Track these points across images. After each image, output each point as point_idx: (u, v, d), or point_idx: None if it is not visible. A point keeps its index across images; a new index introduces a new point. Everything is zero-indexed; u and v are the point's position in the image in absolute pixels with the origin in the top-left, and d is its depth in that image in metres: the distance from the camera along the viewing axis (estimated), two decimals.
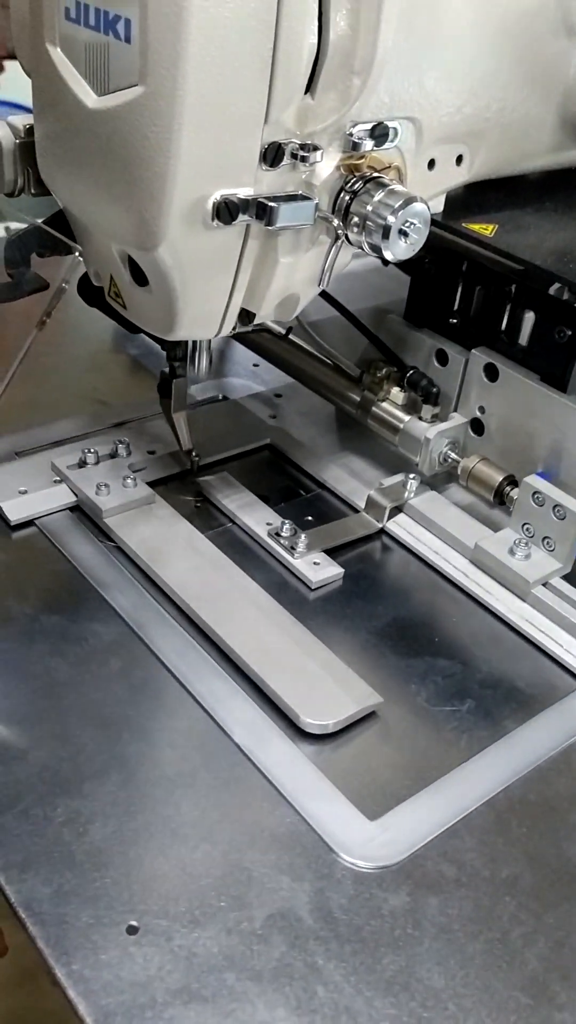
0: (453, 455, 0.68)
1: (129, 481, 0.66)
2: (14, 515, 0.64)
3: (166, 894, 0.44)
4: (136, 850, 0.45)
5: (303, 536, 0.64)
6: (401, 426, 0.68)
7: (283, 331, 0.73)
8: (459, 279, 0.67)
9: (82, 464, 0.67)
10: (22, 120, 0.59)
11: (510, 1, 0.56)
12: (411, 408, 0.69)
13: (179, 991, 0.40)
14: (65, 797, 0.47)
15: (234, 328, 0.59)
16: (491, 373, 0.65)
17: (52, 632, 0.57)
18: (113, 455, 0.69)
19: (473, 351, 0.66)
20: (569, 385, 0.61)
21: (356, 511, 0.69)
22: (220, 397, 0.82)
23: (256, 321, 0.59)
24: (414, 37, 0.52)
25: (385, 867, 0.46)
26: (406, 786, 0.50)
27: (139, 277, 0.56)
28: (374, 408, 0.70)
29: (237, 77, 0.46)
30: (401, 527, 0.67)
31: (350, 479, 0.71)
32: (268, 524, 0.66)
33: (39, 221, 0.60)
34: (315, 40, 0.48)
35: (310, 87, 0.50)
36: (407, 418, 0.68)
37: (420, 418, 0.68)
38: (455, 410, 0.68)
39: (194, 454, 0.69)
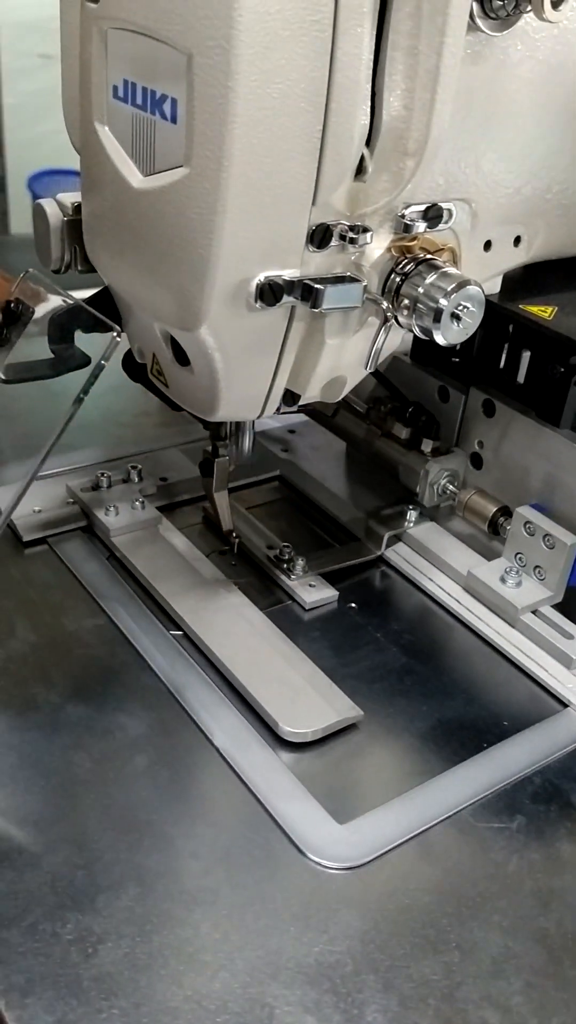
0: (452, 487, 0.69)
1: (138, 504, 0.69)
2: (27, 534, 0.68)
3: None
4: (148, 977, 0.42)
5: (300, 560, 0.66)
6: (402, 459, 0.70)
7: (330, 412, 0.71)
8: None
9: (95, 487, 0.71)
10: (70, 198, 0.58)
11: (574, 80, 0.54)
12: (414, 443, 0.70)
13: None
14: (76, 911, 0.44)
15: (278, 409, 0.57)
16: (488, 409, 0.67)
17: (52, 634, 0.60)
18: (126, 480, 0.72)
19: (472, 388, 0.68)
20: (562, 420, 0.61)
21: (357, 539, 0.71)
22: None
23: (301, 402, 0.57)
24: (471, 118, 0.50)
25: (352, 867, 0.48)
26: (378, 794, 0.52)
27: (181, 357, 0.54)
28: (378, 442, 0.73)
29: (284, 159, 0.45)
30: (399, 555, 0.70)
31: (355, 510, 0.73)
32: (269, 548, 0.68)
33: (82, 299, 0.58)
34: (367, 121, 0.47)
35: (361, 169, 0.48)
36: (408, 452, 0.70)
37: (421, 452, 0.69)
38: (456, 444, 0.70)
39: (234, 535, 0.67)
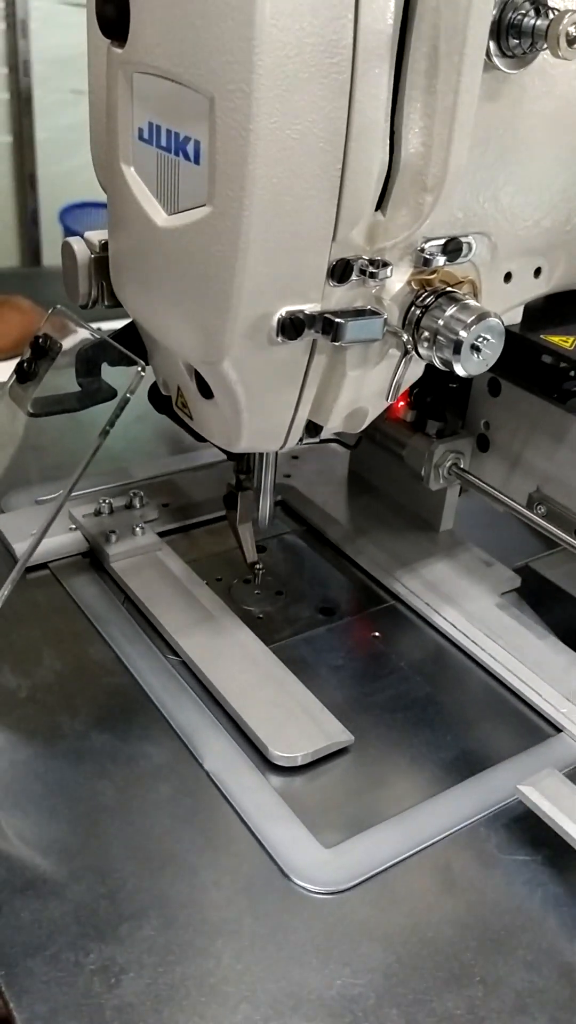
0: (458, 469, 0.68)
1: (139, 530, 0.70)
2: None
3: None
4: (170, 1009, 0.42)
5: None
6: (408, 441, 0.69)
7: (352, 443, 0.71)
8: None
9: (97, 513, 0.72)
10: (97, 235, 0.60)
11: None
12: (419, 424, 0.70)
13: None
14: (99, 941, 0.44)
15: (300, 440, 0.57)
16: (494, 388, 0.66)
17: (44, 649, 0.61)
18: (128, 506, 0.73)
19: None
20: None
21: (353, 562, 0.72)
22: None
23: (324, 433, 0.58)
24: (489, 153, 0.51)
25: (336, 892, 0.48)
26: (366, 818, 0.52)
27: (205, 390, 0.55)
28: (383, 424, 0.72)
29: (304, 197, 0.46)
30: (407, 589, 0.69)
31: (354, 535, 0.74)
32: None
33: (109, 333, 0.60)
34: (386, 158, 0.48)
35: (381, 204, 0.49)
36: (414, 434, 0.69)
37: (426, 433, 0.69)
38: (462, 427, 0.69)
39: (258, 566, 0.67)
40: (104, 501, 0.72)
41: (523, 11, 0.46)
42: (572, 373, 0.60)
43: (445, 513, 0.74)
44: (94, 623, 0.64)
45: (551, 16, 0.46)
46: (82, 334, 0.60)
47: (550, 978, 0.45)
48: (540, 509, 0.63)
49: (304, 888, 0.48)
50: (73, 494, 0.73)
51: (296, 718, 0.57)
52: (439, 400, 0.68)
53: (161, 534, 0.72)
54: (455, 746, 0.58)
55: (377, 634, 0.67)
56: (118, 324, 0.62)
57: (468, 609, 0.67)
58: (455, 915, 0.47)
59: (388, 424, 0.71)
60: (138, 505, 0.73)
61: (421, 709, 0.60)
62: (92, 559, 0.70)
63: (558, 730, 0.59)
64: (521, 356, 0.54)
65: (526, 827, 0.52)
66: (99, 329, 0.63)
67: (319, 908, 0.47)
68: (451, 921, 0.47)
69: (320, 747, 0.55)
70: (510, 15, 0.47)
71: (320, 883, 0.48)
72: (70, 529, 0.72)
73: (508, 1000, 0.43)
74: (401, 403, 0.70)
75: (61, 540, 0.71)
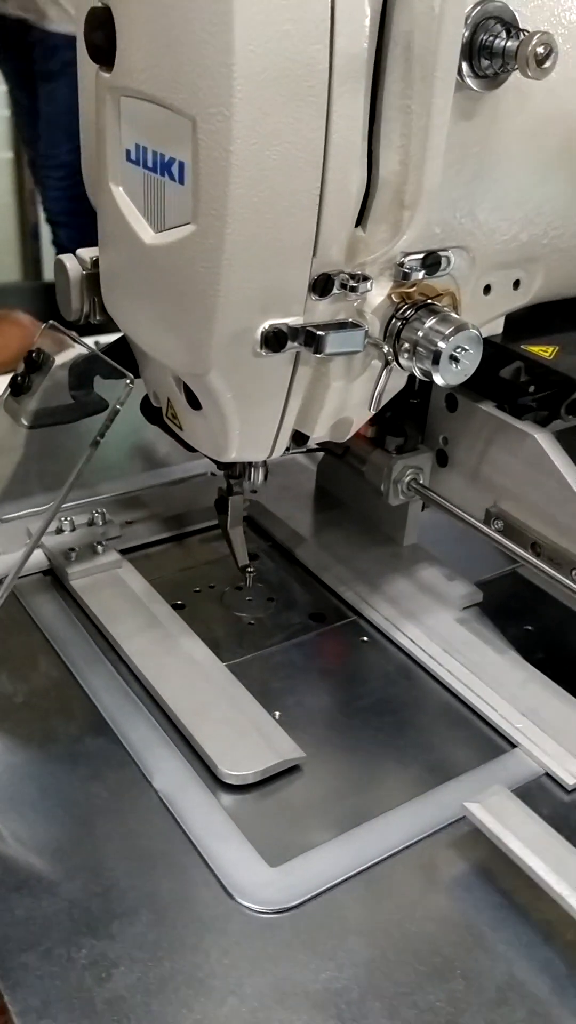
0: (416, 485, 0.69)
1: (100, 547, 0.70)
2: None
3: None
4: (159, 1002, 0.43)
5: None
6: (368, 456, 0.70)
7: (340, 452, 0.73)
8: None
9: (59, 531, 0.72)
10: (89, 252, 0.61)
11: (566, 130, 0.56)
12: (379, 440, 0.70)
13: None
14: (91, 937, 0.46)
15: (287, 449, 0.59)
16: (451, 403, 0.66)
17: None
18: (90, 523, 0.73)
19: (435, 383, 0.66)
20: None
21: (317, 578, 0.73)
22: (209, 474, 0.84)
23: (310, 443, 0.59)
24: (465, 170, 0.53)
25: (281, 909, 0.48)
26: (317, 835, 0.52)
27: (193, 401, 0.57)
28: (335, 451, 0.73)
29: (285, 215, 0.47)
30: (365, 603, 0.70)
31: (319, 550, 0.74)
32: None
33: (101, 347, 0.61)
34: (364, 176, 0.49)
35: (361, 220, 0.51)
36: (374, 449, 0.70)
37: (385, 449, 0.69)
38: (422, 442, 0.69)
39: (248, 569, 0.69)
40: (65, 519, 0.72)
41: (494, 33, 0.48)
42: (531, 388, 0.61)
43: (408, 528, 0.74)
44: (51, 641, 0.64)
45: (521, 37, 0.48)
46: (75, 348, 0.62)
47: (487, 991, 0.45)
48: (497, 524, 0.64)
49: (248, 908, 0.48)
50: (33, 510, 0.72)
51: (247, 735, 0.57)
52: (399, 415, 0.69)
53: (123, 551, 0.72)
54: (411, 762, 0.58)
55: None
56: (111, 337, 0.63)
57: (428, 624, 0.67)
58: (399, 934, 0.47)
59: (350, 439, 0.70)
60: (100, 523, 0.73)
61: (378, 725, 0.60)
62: (53, 576, 0.70)
63: (513, 745, 0.59)
64: (480, 370, 0.55)
65: (475, 844, 0.51)
66: (97, 343, 0.65)
67: (264, 927, 0.47)
68: (391, 939, 0.47)
69: (271, 764, 0.55)
70: (481, 37, 0.48)
71: (263, 903, 0.48)
72: (27, 544, 0.70)
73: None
74: None
75: (17, 556, 0.69)
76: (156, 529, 0.77)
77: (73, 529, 0.72)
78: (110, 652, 0.64)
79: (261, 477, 0.66)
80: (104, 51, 0.51)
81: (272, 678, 0.64)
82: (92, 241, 0.59)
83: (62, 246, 2.13)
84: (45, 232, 2.63)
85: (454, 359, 0.52)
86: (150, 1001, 0.43)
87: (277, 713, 0.60)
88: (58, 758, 0.56)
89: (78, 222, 2.04)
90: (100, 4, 0.50)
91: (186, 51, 0.45)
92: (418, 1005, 0.44)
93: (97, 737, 0.57)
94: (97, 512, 0.73)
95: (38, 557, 0.71)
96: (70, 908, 0.47)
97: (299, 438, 0.59)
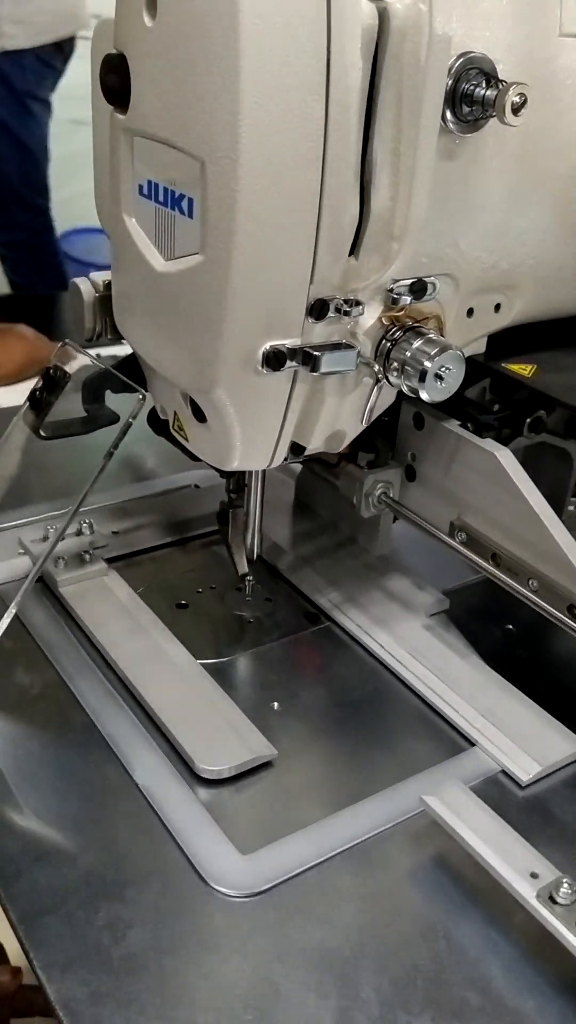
0: (387, 498, 0.72)
1: (87, 556, 0.74)
2: None
3: (194, 1003, 0.46)
4: (170, 958, 0.48)
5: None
6: (342, 471, 0.74)
7: (334, 462, 0.77)
8: None
9: (46, 539, 0.74)
10: (101, 277, 0.66)
11: (543, 166, 0.61)
12: (352, 456, 0.74)
13: None
14: (107, 902, 0.50)
15: (285, 459, 0.64)
16: (418, 422, 0.69)
17: None
18: (78, 533, 0.76)
19: (403, 403, 0.70)
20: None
21: (289, 583, 0.77)
22: (194, 486, 0.88)
23: (306, 453, 0.64)
24: (449, 204, 0.57)
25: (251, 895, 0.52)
26: (284, 829, 0.55)
27: (199, 414, 0.61)
28: (322, 455, 0.74)
29: (284, 247, 0.52)
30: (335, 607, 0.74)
31: (296, 560, 0.78)
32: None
33: (111, 364, 0.66)
34: (356, 212, 0.54)
35: (354, 250, 0.56)
36: (347, 464, 0.73)
37: (358, 464, 0.73)
38: (392, 458, 0.73)
39: (248, 578, 0.73)
40: (53, 527, 0.75)
41: (475, 83, 0.53)
42: (496, 407, 0.65)
43: (380, 539, 0.78)
44: (39, 644, 0.68)
45: (499, 87, 0.53)
46: (88, 365, 0.67)
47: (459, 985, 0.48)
48: (460, 536, 0.67)
49: (222, 893, 0.51)
50: (23, 521, 0.78)
51: (223, 733, 0.61)
52: (370, 432, 0.71)
53: (109, 560, 0.75)
54: (377, 758, 0.61)
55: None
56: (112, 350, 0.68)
57: (396, 630, 0.71)
58: (356, 920, 0.51)
59: (326, 455, 0.74)
60: (88, 532, 0.76)
61: (346, 724, 0.64)
62: (43, 584, 0.73)
63: (472, 744, 0.63)
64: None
65: (433, 835, 0.55)
66: (112, 357, 0.69)
67: (239, 912, 0.51)
68: (351, 926, 0.51)
69: (244, 760, 0.59)
70: (463, 86, 0.53)
71: (236, 887, 0.52)
72: (19, 554, 0.75)
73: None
74: None
75: (10, 564, 0.75)
76: (142, 539, 0.80)
77: (63, 539, 0.75)
78: (96, 656, 0.68)
79: (257, 540, 0.71)
80: (119, 94, 0.56)
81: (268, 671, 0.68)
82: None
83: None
84: None
85: (439, 377, 0.57)
86: (162, 958, 0.47)
87: (276, 703, 0.65)
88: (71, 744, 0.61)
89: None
90: (115, 51, 0.55)
91: (197, 100, 0.50)
92: (371, 982, 0.48)
93: (87, 739, 0.61)
94: (85, 523, 0.77)
95: (25, 563, 0.74)
96: (87, 876, 0.51)
97: (296, 449, 0.63)
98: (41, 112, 2.08)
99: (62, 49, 2.01)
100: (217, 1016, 0.45)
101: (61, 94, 2.55)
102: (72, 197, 2.58)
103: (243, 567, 0.73)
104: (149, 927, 0.49)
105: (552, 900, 0.49)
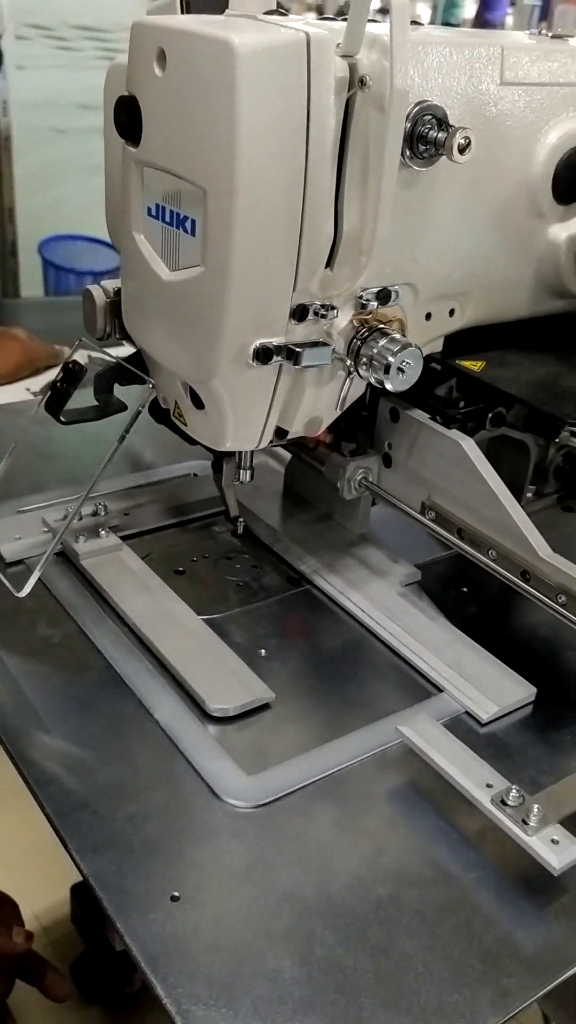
0: (367, 482, 0.82)
1: (103, 532, 0.83)
2: (9, 555, 0.82)
3: (202, 874, 0.56)
4: (180, 843, 0.58)
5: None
6: (327, 459, 0.83)
7: (312, 446, 0.88)
8: None
9: (67, 519, 0.82)
10: (112, 284, 0.76)
11: (488, 192, 0.72)
12: (336, 445, 0.83)
13: (209, 944, 0.52)
14: (125, 802, 0.60)
15: (271, 441, 0.74)
16: (394, 415, 0.79)
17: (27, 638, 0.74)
18: (95, 514, 0.86)
19: (381, 399, 0.80)
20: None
21: (275, 554, 0.86)
22: (192, 475, 0.98)
23: (288, 436, 0.75)
24: (408, 225, 0.68)
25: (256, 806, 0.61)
26: (281, 757, 0.65)
27: (197, 402, 0.72)
28: (309, 445, 0.86)
29: (272, 260, 0.63)
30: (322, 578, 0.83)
31: (284, 538, 0.87)
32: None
33: (121, 359, 0.76)
34: (331, 231, 0.65)
35: (329, 263, 0.66)
36: (332, 453, 0.83)
37: (341, 453, 0.82)
38: (371, 447, 0.82)
39: (239, 519, 0.83)
40: (71, 508, 0.82)
41: (429, 126, 0.64)
42: (461, 403, 0.75)
43: (360, 518, 0.88)
44: (61, 604, 0.77)
45: (448, 130, 0.64)
46: (100, 360, 0.77)
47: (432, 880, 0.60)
48: (430, 514, 0.77)
49: (231, 804, 0.61)
50: (46, 503, 0.88)
51: (227, 678, 0.70)
52: (352, 425, 0.82)
53: (122, 536, 0.85)
54: (358, 702, 0.71)
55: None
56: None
57: (372, 596, 0.80)
58: (335, 816, 0.61)
59: (305, 439, 0.82)
60: (102, 513, 0.86)
61: (329, 673, 0.74)
62: (64, 557, 0.83)
63: (440, 690, 0.72)
64: (419, 387, 0.70)
65: (407, 761, 0.65)
66: (90, 356, 0.79)
67: (244, 819, 0.60)
68: (330, 820, 0.61)
69: (247, 701, 0.68)
70: (419, 129, 0.64)
71: (243, 799, 0.61)
72: (43, 532, 0.85)
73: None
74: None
75: (35, 540, 0.84)
76: (147, 519, 0.90)
77: (80, 518, 0.86)
78: (114, 616, 0.77)
79: (248, 477, 0.81)
80: (131, 131, 0.66)
81: (256, 626, 0.78)
82: None
83: None
84: (23, 248, 2.72)
85: (401, 370, 0.68)
86: (175, 842, 0.58)
87: (263, 651, 0.75)
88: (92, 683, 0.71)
89: None
90: (128, 93, 0.66)
91: (200, 140, 0.60)
92: (344, 859, 0.59)
93: (111, 684, 0.70)
94: (99, 504, 0.87)
95: (50, 539, 0.82)
96: (109, 783, 0.62)
97: (280, 432, 0.74)
98: None
99: None
100: (219, 882, 0.56)
101: (42, 103, 2.64)
102: (50, 204, 2.66)
103: (234, 510, 0.82)
104: (165, 820, 0.59)
105: (503, 803, 0.60)
